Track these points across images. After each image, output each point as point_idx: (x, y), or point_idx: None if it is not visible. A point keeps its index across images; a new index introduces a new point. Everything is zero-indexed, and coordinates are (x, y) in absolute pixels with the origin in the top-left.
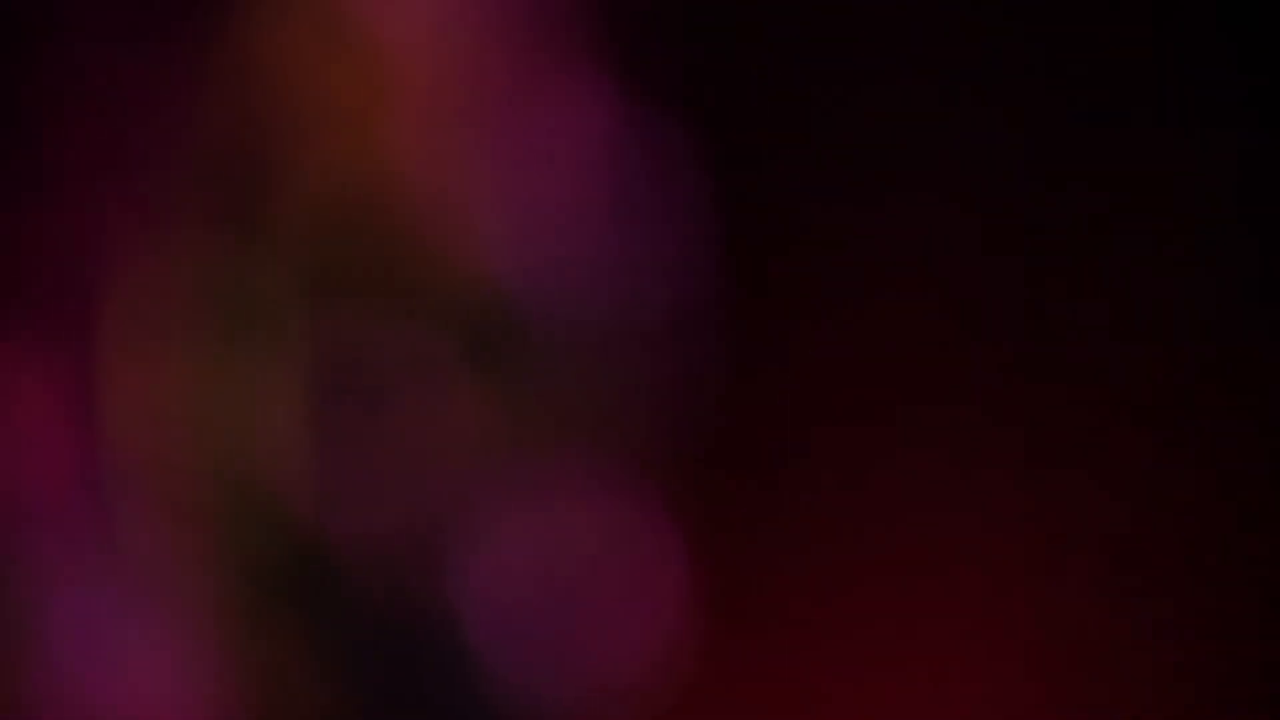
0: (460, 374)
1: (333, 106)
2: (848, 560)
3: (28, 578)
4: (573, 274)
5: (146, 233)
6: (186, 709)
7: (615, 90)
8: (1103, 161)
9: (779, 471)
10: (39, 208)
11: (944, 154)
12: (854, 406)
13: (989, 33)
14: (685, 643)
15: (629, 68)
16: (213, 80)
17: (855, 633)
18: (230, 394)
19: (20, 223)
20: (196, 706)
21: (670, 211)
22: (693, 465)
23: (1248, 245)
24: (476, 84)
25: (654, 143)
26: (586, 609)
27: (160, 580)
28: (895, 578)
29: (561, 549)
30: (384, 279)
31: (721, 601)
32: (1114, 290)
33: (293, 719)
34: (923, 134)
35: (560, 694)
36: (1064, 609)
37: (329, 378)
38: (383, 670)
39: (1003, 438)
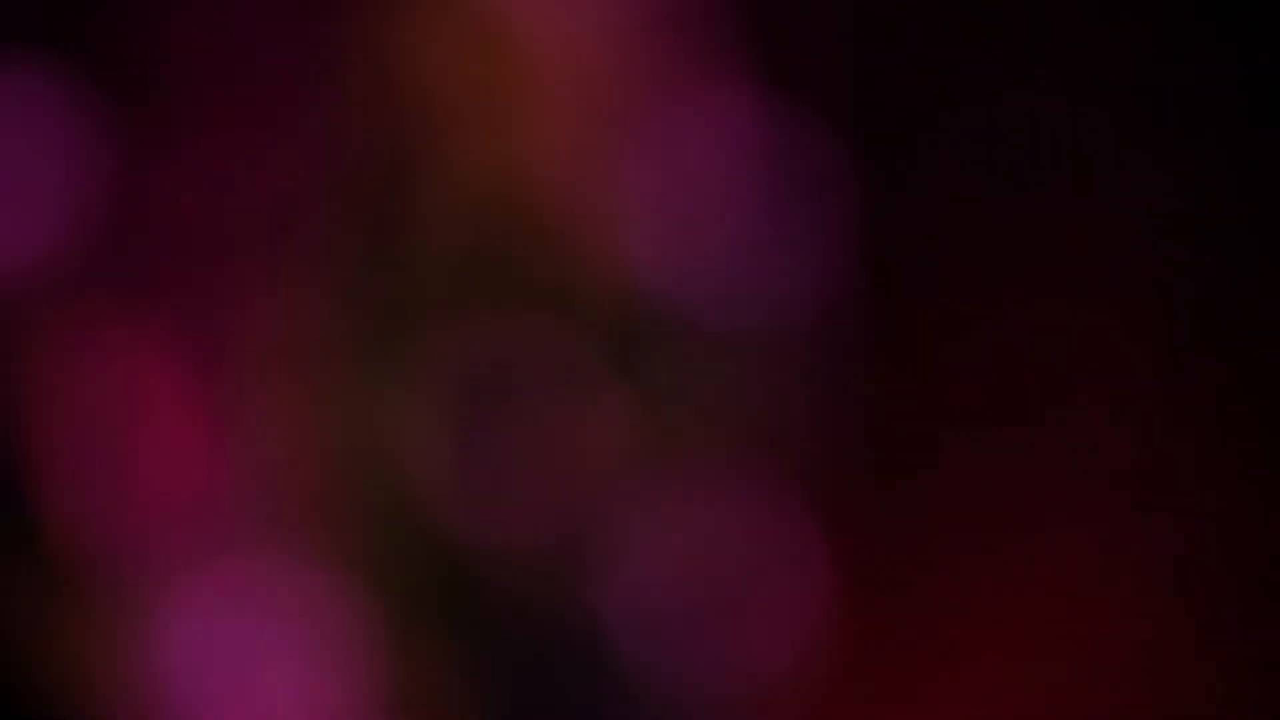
0: (605, 377)
1: (477, 108)
2: (992, 560)
3: (174, 587)
4: (717, 276)
5: (287, 236)
6: (332, 716)
7: (760, 91)
8: (1240, 166)
9: (922, 472)
10: (179, 210)
11: (1089, 159)
12: (996, 408)
13: (1137, 41)
14: (830, 642)
15: (774, 69)
16: (356, 80)
17: (997, 631)
18: (371, 399)
19: (159, 226)
20: (342, 714)
21: (815, 213)
22: (836, 466)
23: None
24: (622, 85)
25: (799, 144)
26: (731, 610)
27: (304, 589)
28: (1040, 577)
29: (706, 551)
30: (527, 281)
31: (865, 601)
32: (1263, 297)
33: None
34: (1069, 139)
35: (706, 695)
36: (1207, 615)
37: (471, 381)
38: (529, 675)
39: (1143, 441)
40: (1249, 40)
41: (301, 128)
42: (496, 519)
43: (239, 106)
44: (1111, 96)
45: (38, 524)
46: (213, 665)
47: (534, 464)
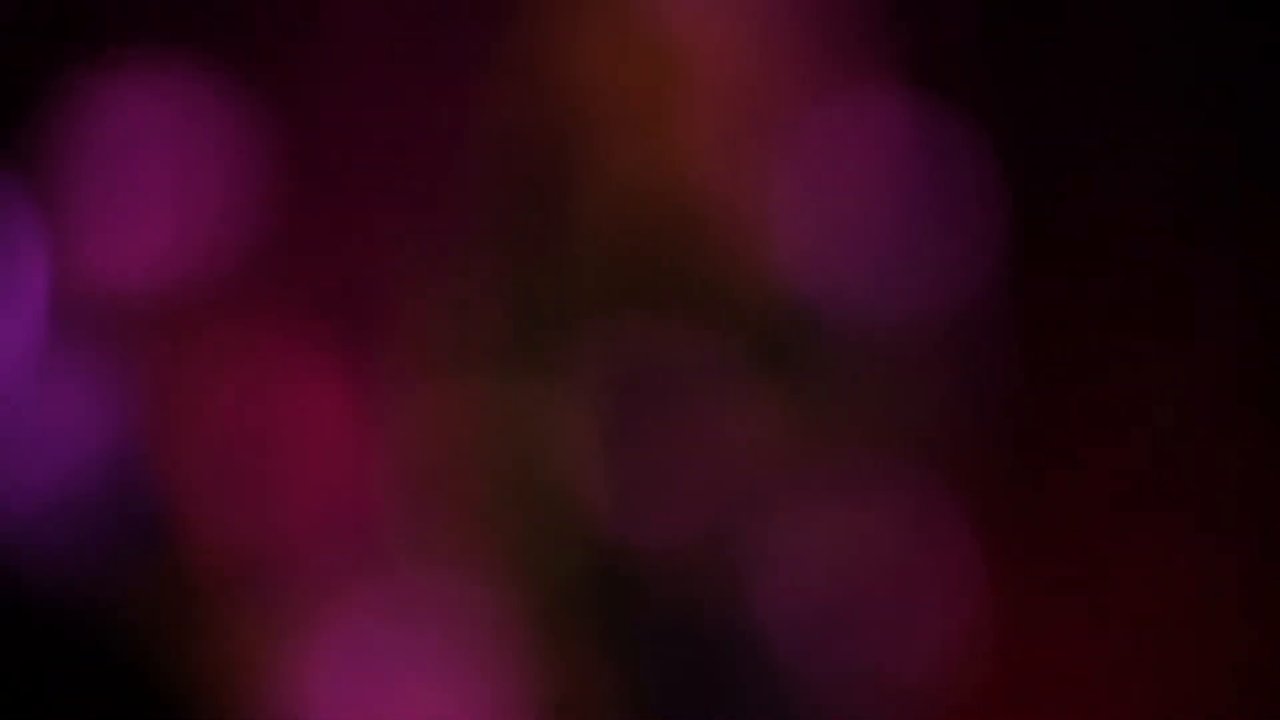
0: (756, 377)
1: (626, 110)
2: (1141, 560)
3: (327, 596)
4: (866, 277)
5: (438, 239)
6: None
7: (909, 94)
8: None
9: (1067, 473)
10: (330, 215)
11: (1233, 163)
12: (1143, 407)
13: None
14: (978, 640)
15: (922, 72)
16: (514, 83)
17: (1148, 632)
18: (526, 403)
19: (311, 230)
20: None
21: (960, 214)
22: (984, 464)
23: None
24: (774, 88)
25: (946, 147)
26: (880, 610)
27: (457, 596)
28: (1190, 579)
29: (856, 551)
30: (680, 282)
31: (1012, 601)
32: None
33: None
34: (1215, 142)
35: (856, 694)
36: None
37: (625, 383)
38: (682, 676)
39: None
40: None
41: (460, 131)
42: (650, 522)
43: (399, 110)
44: (1262, 102)
45: (189, 534)
46: (364, 675)
47: (687, 465)
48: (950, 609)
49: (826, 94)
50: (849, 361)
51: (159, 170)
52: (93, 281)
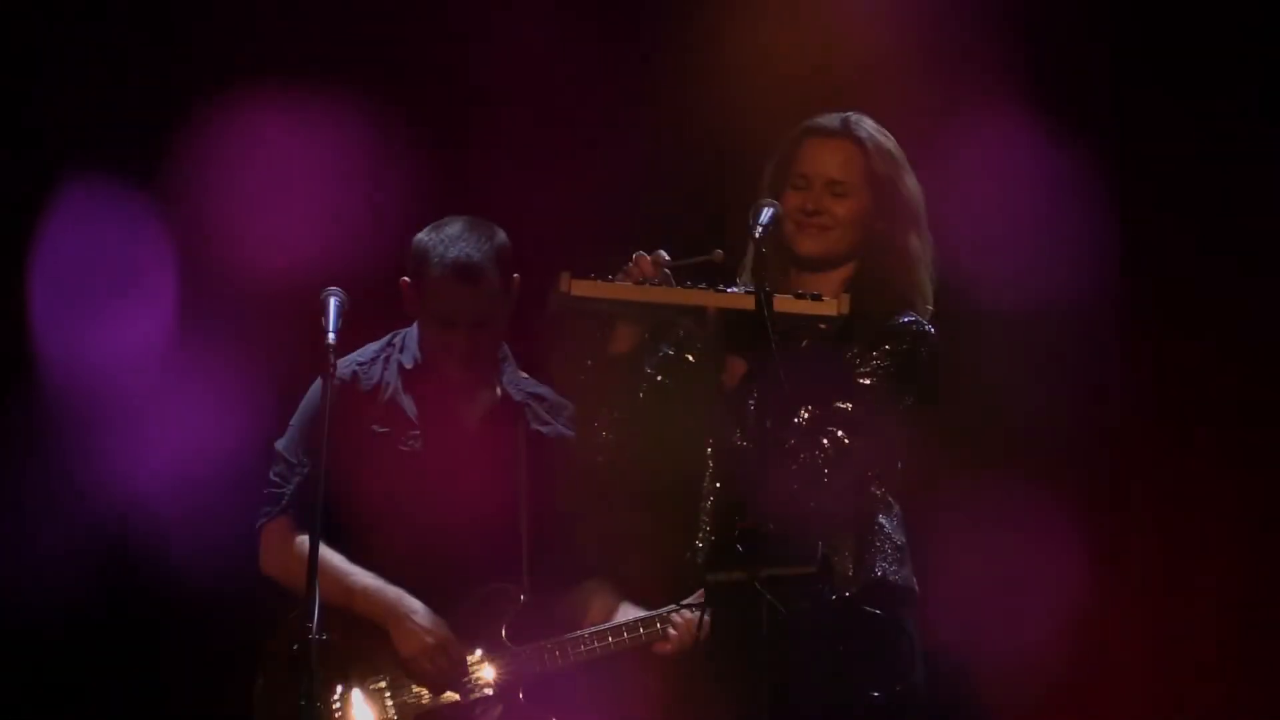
0: (886, 373)
1: (783, 111)
2: (1248, 556)
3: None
4: (985, 283)
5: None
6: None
7: (1032, 111)
8: None
9: (1176, 471)
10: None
11: None
12: (1252, 410)
13: None
14: (1083, 635)
15: (1043, 90)
16: (684, 75)
17: (1252, 622)
18: (668, 403)
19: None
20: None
21: (1076, 225)
22: (1095, 465)
23: None
24: (912, 101)
25: (1063, 160)
26: (986, 602)
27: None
28: None
29: (968, 545)
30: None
31: (1119, 592)
32: None
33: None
34: None
35: (965, 684)
36: None
37: (747, 389)
38: (787, 667)
39: None
40: None
41: (629, 122)
42: (778, 509)
43: (560, 109)
44: None
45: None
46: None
47: (815, 457)
48: (1059, 600)
49: (960, 113)
50: (970, 361)
51: (290, 175)
52: (222, 278)
